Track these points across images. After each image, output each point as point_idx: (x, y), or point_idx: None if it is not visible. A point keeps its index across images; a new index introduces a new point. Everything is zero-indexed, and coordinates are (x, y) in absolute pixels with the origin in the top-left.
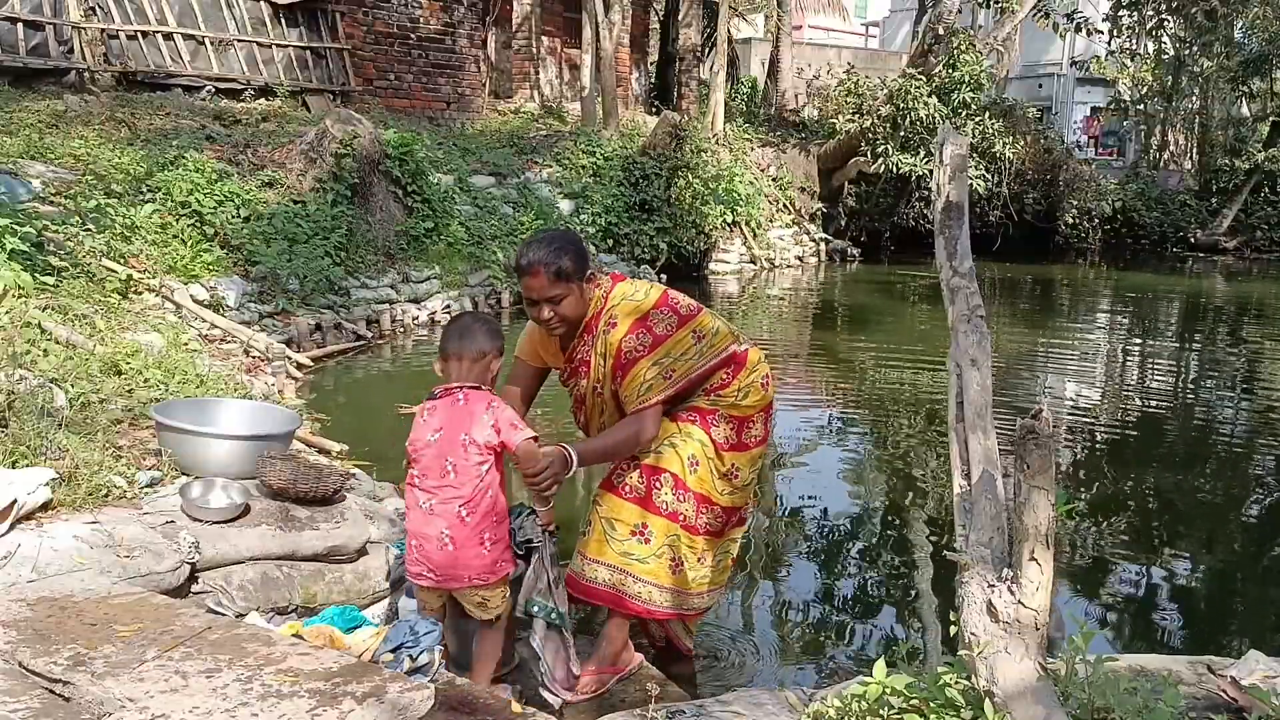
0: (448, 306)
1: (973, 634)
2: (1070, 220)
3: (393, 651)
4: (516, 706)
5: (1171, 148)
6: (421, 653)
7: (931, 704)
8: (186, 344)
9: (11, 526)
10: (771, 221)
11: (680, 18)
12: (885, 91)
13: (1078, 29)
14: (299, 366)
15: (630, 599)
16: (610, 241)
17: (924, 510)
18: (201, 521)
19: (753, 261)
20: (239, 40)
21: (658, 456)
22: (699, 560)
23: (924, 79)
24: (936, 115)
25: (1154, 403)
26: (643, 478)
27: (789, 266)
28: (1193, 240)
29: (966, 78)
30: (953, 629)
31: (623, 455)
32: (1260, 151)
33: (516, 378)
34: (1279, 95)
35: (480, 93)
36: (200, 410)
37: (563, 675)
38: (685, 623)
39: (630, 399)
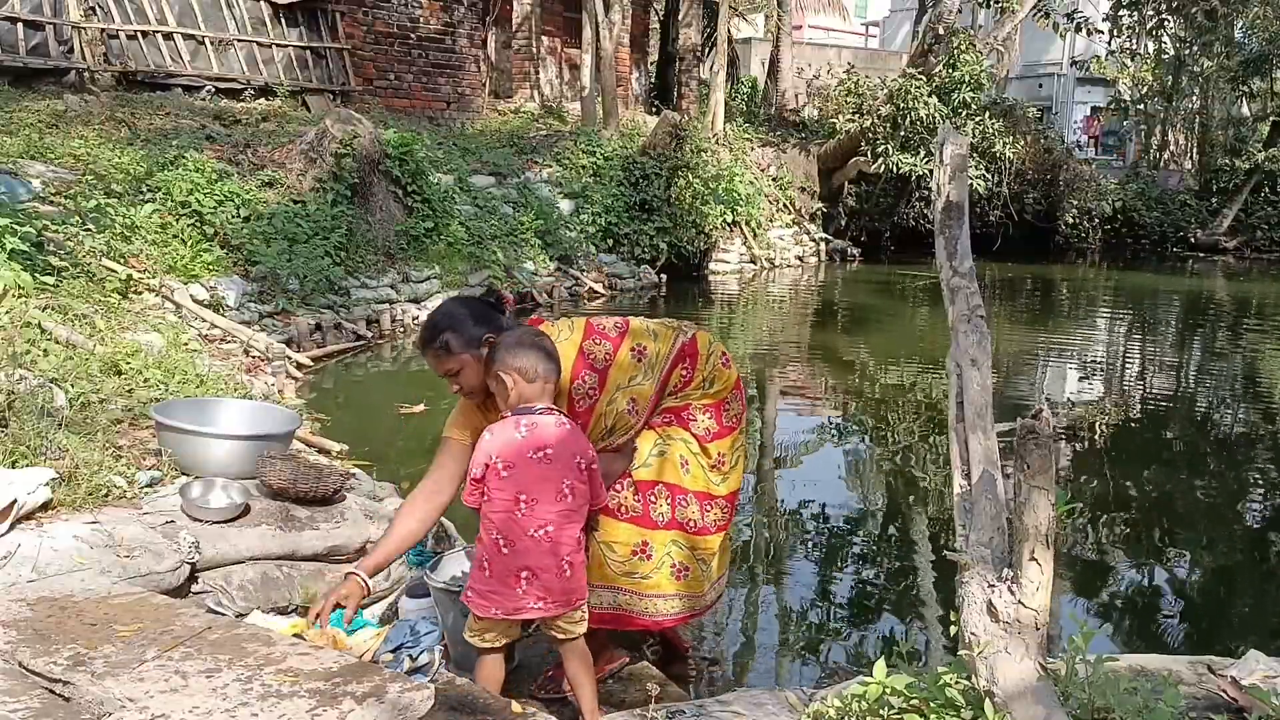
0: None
1: (973, 634)
2: (1070, 220)
3: (393, 651)
4: (516, 706)
5: (1171, 148)
6: (421, 653)
7: (931, 704)
8: (186, 344)
9: (11, 526)
10: (771, 221)
11: (680, 18)
12: (885, 91)
13: (1078, 29)
14: (299, 366)
15: (637, 616)
16: (610, 241)
17: (924, 510)
18: (201, 521)
19: (753, 261)
20: (239, 40)
21: (648, 469)
22: (712, 557)
23: (924, 79)
24: (936, 115)
25: (1154, 402)
26: (638, 495)
27: (789, 266)
28: (1193, 240)
29: (966, 78)
30: (953, 629)
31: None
32: (1260, 151)
33: (447, 462)
34: (1279, 95)
35: (480, 93)
36: (200, 410)
37: None
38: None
39: (595, 443)
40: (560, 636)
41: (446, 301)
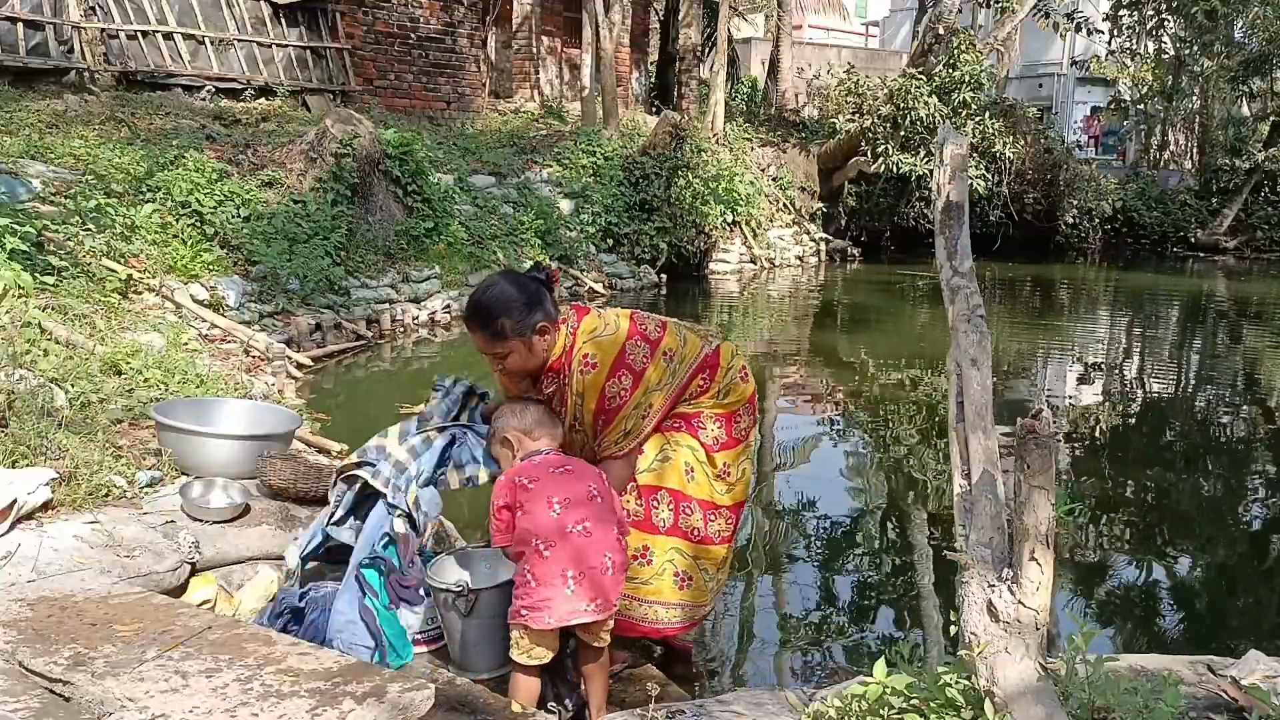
0: (448, 306)
1: (973, 634)
2: (1070, 220)
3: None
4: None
5: (1171, 148)
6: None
7: (931, 704)
8: (186, 344)
9: (11, 526)
10: (771, 221)
11: (680, 18)
12: (885, 91)
13: (1078, 29)
14: (299, 366)
15: (637, 621)
16: (610, 241)
17: (924, 510)
18: (201, 521)
19: (753, 261)
20: (239, 40)
21: (652, 474)
22: (715, 568)
23: (924, 79)
24: (936, 115)
25: (1154, 402)
26: (640, 500)
27: (789, 266)
28: (1193, 240)
29: (966, 77)
30: (953, 629)
31: None
32: (1260, 151)
33: None
34: (1279, 95)
35: (480, 92)
36: (200, 410)
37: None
38: None
39: (608, 446)
40: (595, 644)
41: (498, 280)
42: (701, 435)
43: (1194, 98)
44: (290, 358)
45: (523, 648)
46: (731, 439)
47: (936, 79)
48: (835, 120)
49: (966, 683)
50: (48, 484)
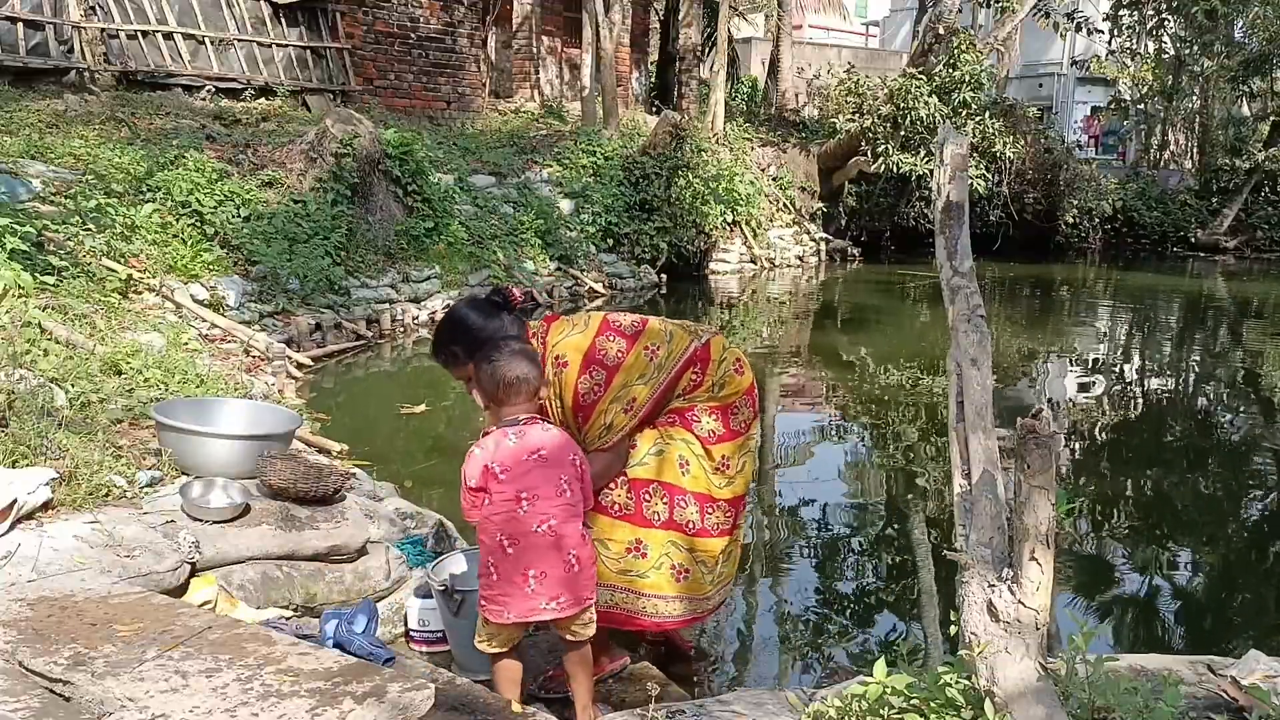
0: (448, 306)
1: (973, 634)
2: (1070, 220)
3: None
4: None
5: (1171, 148)
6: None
7: (932, 704)
8: (186, 344)
9: (12, 526)
10: (772, 221)
11: (680, 17)
12: (885, 91)
13: (1078, 28)
14: (299, 366)
15: (638, 615)
16: (610, 241)
17: (924, 510)
18: (201, 521)
19: (753, 261)
20: (239, 40)
21: (644, 468)
22: (714, 560)
23: (924, 79)
24: (937, 115)
25: (1154, 402)
26: (631, 493)
27: (789, 266)
28: (1193, 240)
29: (966, 77)
30: (953, 629)
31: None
32: (1260, 151)
33: None
34: (1279, 95)
35: (480, 92)
36: (200, 410)
37: None
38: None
39: (592, 440)
40: (572, 639)
41: (455, 307)
42: (696, 429)
43: (1194, 98)
44: (290, 358)
45: (483, 636)
46: (730, 431)
47: (936, 79)
48: (835, 120)
49: (966, 683)
50: (48, 484)
